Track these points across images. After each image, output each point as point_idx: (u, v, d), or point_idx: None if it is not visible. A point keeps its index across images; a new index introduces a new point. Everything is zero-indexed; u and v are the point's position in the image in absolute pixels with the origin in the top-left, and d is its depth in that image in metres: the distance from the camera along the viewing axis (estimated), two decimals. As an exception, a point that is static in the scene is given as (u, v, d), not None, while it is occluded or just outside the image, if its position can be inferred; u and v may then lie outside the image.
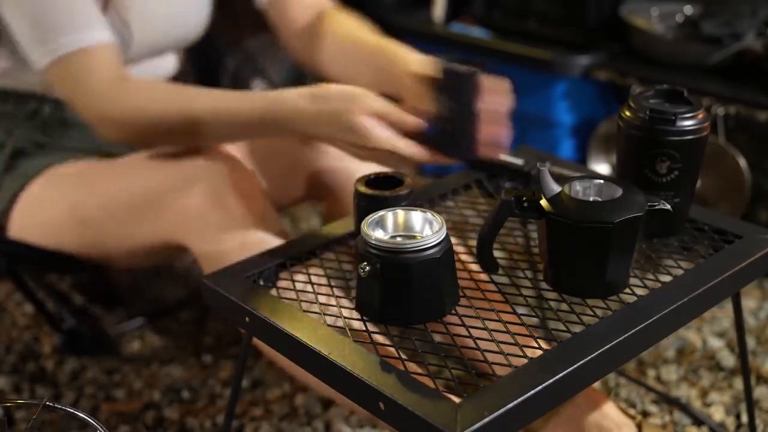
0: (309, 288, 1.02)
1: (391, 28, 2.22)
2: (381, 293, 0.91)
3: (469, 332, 0.92)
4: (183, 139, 1.24)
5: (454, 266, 0.94)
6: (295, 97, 1.13)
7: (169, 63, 1.50)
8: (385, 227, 0.95)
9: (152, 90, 1.22)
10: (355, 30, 1.35)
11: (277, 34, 1.44)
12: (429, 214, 0.94)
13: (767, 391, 1.46)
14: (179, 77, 1.53)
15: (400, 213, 0.95)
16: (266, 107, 1.14)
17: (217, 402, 1.49)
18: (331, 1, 1.43)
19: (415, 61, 1.20)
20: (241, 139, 1.33)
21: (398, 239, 0.93)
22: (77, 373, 1.58)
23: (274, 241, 1.18)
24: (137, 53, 1.36)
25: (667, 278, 1.00)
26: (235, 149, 1.39)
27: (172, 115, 1.18)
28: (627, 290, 0.97)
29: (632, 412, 1.33)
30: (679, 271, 1.01)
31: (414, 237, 0.93)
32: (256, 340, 1.10)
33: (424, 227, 0.95)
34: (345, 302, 1.00)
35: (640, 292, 0.97)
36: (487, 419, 0.78)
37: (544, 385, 0.82)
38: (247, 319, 0.97)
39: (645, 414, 1.43)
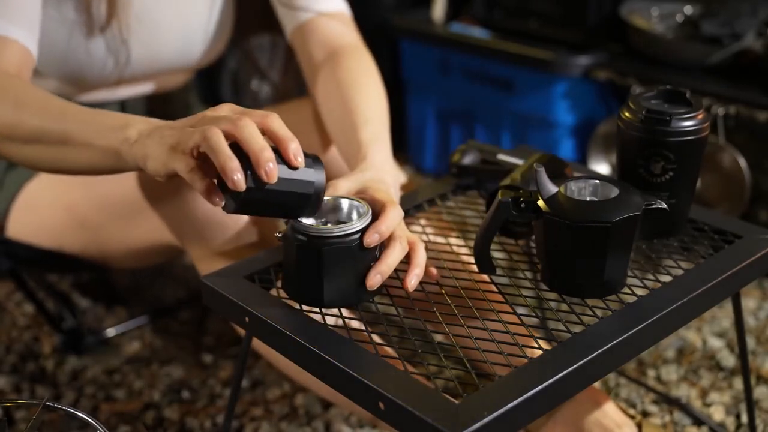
0: (309, 288, 1.02)
1: (391, 28, 2.23)
2: (298, 272, 0.93)
3: (469, 332, 0.92)
4: (31, 152, 1.07)
5: (373, 257, 0.93)
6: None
7: (180, 77, 1.51)
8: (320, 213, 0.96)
9: (27, 97, 1.08)
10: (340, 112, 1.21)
11: (301, 69, 1.36)
12: (360, 204, 0.95)
13: (767, 391, 1.46)
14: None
15: (333, 200, 0.97)
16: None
17: (217, 402, 1.50)
18: (351, 34, 1.33)
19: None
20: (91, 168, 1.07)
21: (329, 225, 0.94)
22: (77, 373, 1.58)
23: (271, 243, 1.18)
24: (139, 72, 1.35)
25: (667, 278, 1.00)
26: None
27: (25, 121, 1.05)
28: (627, 290, 0.97)
29: (632, 412, 1.33)
30: (679, 271, 1.01)
31: (343, 224, 0.94)
32: (255, 343, 1.10)
33: (352, 214, 0.96)
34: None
35: (639, 292, 0.97)
36: (487, 419, 0.78)
37: (544, 385, 0.82)
38: (247, 319, 0.97)
39: (645, 414, 1.43)
